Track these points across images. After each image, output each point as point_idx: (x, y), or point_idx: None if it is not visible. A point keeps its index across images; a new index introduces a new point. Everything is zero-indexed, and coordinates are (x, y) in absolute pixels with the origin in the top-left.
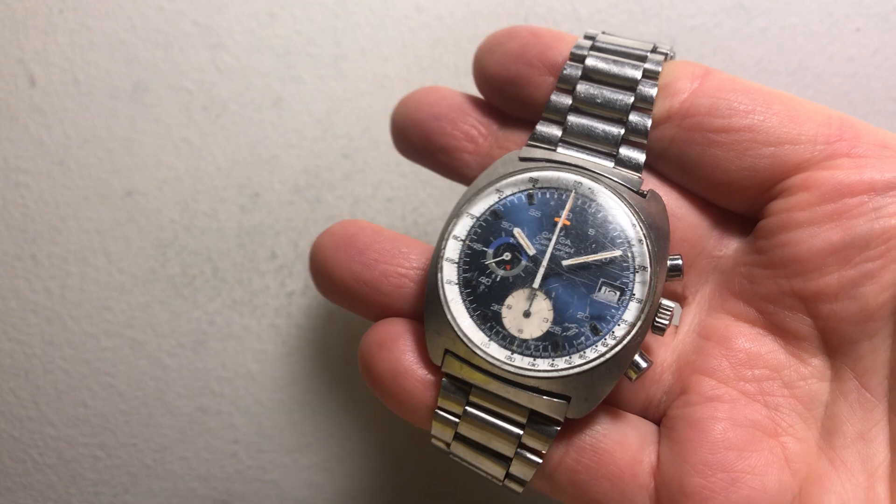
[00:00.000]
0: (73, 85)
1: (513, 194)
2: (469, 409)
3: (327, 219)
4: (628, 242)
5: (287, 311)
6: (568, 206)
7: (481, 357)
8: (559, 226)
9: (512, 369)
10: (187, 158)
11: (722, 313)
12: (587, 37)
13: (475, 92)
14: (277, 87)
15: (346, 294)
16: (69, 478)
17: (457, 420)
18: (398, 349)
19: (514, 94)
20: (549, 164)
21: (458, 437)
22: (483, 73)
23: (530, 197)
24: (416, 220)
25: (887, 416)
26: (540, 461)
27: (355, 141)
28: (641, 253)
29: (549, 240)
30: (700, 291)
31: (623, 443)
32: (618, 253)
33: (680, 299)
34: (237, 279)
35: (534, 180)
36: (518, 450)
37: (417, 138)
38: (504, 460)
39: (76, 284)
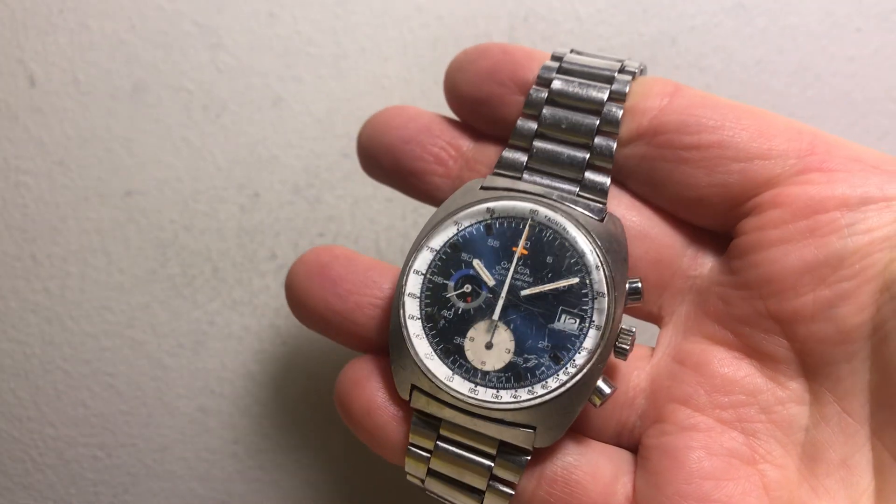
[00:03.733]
0: (73, 85)
1: (471, 225)
2: (440, 443)
3: (327, 219)
4: (586, 269)
5: (287, 311)
6: (524, 235)
7: (445, 391)
8: (517, 255)
9: (476, 402)
10: (187, 158)
11: (697, 336)
12: (555, 57)
13: None
14: (277, 87)
15: (322, 324)
16: (69, 478)
17: (429, 455)
18: (371, 386)
19: (487, 114)
20: (506, 194)
21: (431, 473)
22: (455, 92)
23: (488, 227)
24: (417, 220)
25: (870, 441)
26: (512, 493)
27: (355, 141)
28: (599, 279)
29: (508, 270)
30: (675, 312)
31: (595, 473)
32: (575, 280)
33: (656, 320)
34: (237, 279)
35: (491, 210)
36: (490, 482)
37: (387, 162)
38: (477, 494)
39: (76, 284)
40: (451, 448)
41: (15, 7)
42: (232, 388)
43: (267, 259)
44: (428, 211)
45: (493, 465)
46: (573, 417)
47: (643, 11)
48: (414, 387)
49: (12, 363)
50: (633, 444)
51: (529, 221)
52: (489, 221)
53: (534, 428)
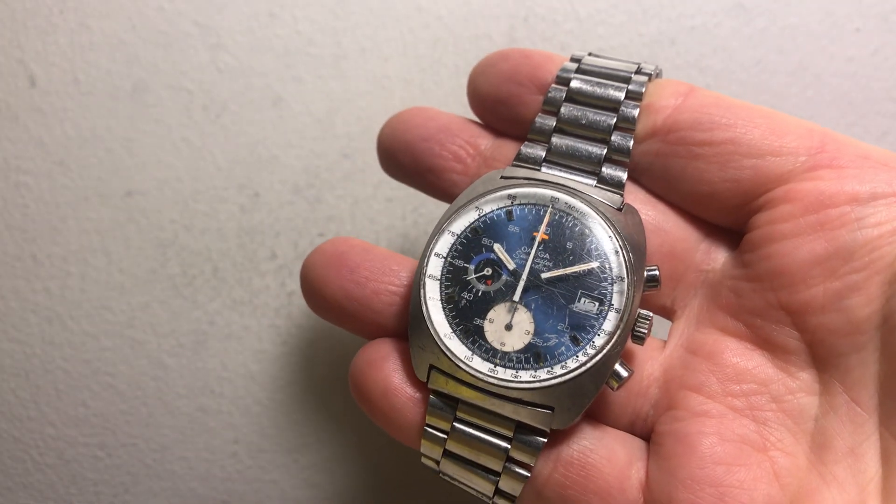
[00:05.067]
0: (73, 85)
1: (492, 211)
2: (457, 424)
3: (327, 219)
4: (605, 254)
5: (287, 311)
6: (545, 221)
7: (465, 371)
8: (538, 240)
9: (495, 381)
10: (187, 158)
11: (710, 328)
12: (573, 59)
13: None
14: (277, 87)
15: (338, 312)
16: (69, 478)
17: (445, 437)
18: (387, 368)
19: (506, 114)
20: (527, 181)
21: (447, 454)
22: (477, 93)
23: (509, 213)
24: (417, 220)
25: (878, 430)
26: (528, 475)
27: (355, 141)
28: (618, 264)
29: (529, 254)
30: (689, 305)
31: (611, 458)
32: (595, 264)
33: (669, 313)
34: (237, 279)
35: (512, 197)
36: (506, 464)
37: (407, 160)
38: (493, 475)
39: (76, 284)
40: (467, 429)
41: (15, 7)
42: (232, 388)
43: (267, 259)
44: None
45: (509, 447)
46: (591, 399)
47: (643, 11)
48: (432, 367)
49: (12, 363)
50: (646, 433)
51: (550, 208)
52: (510, 207)
53: (552, 409)
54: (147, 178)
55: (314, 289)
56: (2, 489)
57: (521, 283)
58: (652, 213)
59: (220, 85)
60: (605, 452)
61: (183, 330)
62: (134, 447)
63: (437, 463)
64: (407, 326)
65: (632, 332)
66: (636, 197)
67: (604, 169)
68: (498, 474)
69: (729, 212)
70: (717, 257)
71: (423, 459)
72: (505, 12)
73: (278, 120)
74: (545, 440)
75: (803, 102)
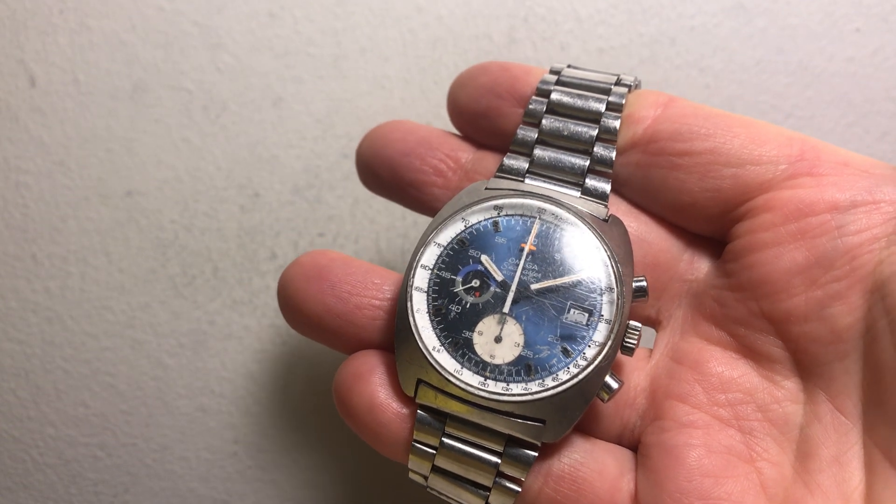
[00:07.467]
0: (73, 85)
1: (478, 222)
2: (445, 440)
3: (327, 219)
4: (594, 264)
5: None
6: (533, 232)
7: (455, 384)
8: (526, 251)
9: (486, 395)
10: (187, 158)
11: (694, 337)
12: (553, 71)
13: None
14: (277, 87)
15: (319, 328)
16: (69, 478)
17: (433, 452)
18: (373, 382)
19: (486, 126)
20: (514, 192)
21: (436, 470)
22: (456, 106)
23: (496, 224)
24: (417, 220)
25: (862, 439)
26: (519, 490)
27: (355, 141)
28: (607, 275)
29: (517, 265)
30: (673, 315)
31: (602, 471)
32: (584, 275)
33: (654, 323)
34: (237, 279)
35: (498, 207)
36: (496, 479)
37: (386, 175)
38: (483, 490)
39: (76, 284)
40: (457, 444)
41: (15, 7)
42: (232, 388)
43: (267, 259)
44: None
45: (499, 461)
46: (582, 411)
47: (643, 11)
48: (420, 381)
49: (12, 363)
50: (633, 444)
51: (538, 218)
52: (497, 218)
53: (543, 421)
54: (147, 178)
55: (293, 304)
56: (2, 489)
57: (511, 295)
58: (634, 224)
59: (220, 85)
60: (596, 466)
61: (183, 330)
62: (134, 447)
63: (426, 478)
64: (391, 341)
65: (621, 343)
66: (618, 208)
67: (588, 180)
68: (488, 489)
69: (710, 221)
70: (701, 267)
71: (411, 475)
72: (505, 12)
73: (278, 120)
74: (536, 454)
75: (803, 102)
